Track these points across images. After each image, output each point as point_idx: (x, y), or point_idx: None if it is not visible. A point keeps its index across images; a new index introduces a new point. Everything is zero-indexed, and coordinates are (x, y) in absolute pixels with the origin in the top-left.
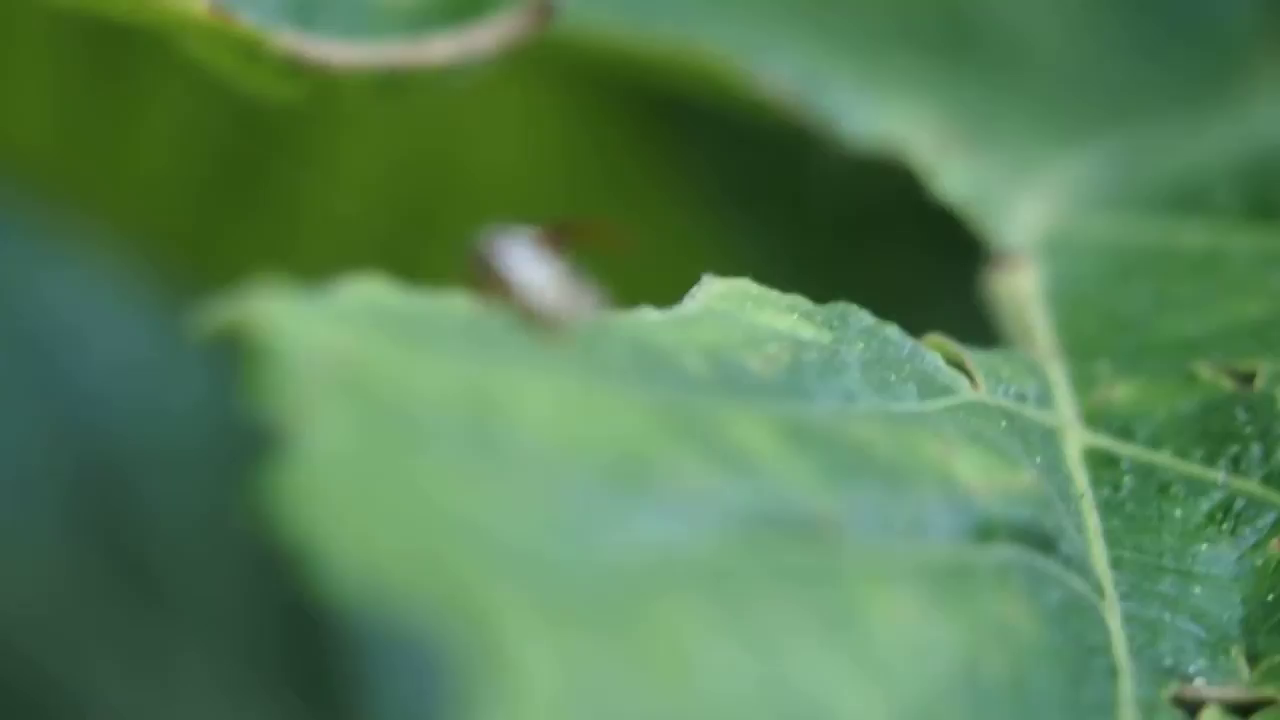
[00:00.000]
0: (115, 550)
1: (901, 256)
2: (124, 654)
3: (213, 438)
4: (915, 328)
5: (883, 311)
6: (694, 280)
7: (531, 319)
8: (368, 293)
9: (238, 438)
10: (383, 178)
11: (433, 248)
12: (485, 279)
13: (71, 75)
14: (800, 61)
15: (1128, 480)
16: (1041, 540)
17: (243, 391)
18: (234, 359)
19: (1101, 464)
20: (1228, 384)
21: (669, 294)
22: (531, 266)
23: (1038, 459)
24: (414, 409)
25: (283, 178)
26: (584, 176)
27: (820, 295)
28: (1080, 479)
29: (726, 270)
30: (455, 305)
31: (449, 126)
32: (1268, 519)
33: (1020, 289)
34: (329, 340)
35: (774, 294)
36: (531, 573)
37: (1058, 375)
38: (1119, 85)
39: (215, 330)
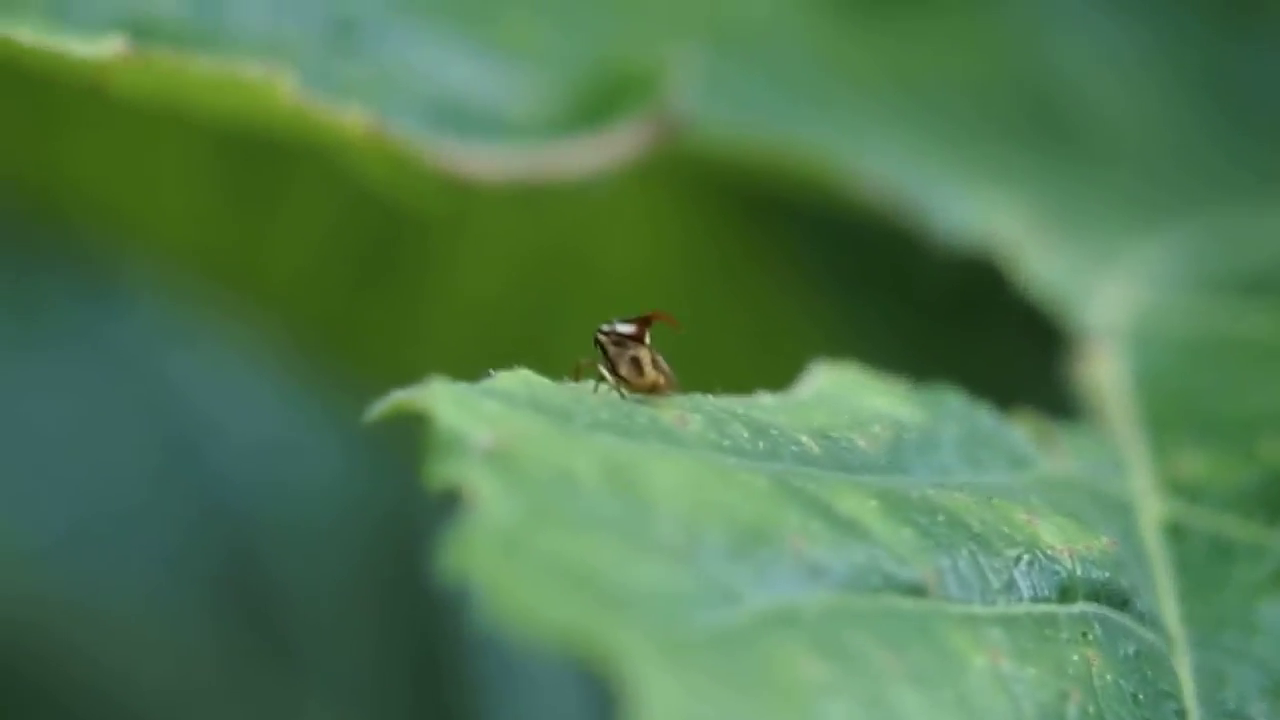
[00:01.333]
0: (257, 627)
1: (1000, 338)
2: None
3: (345, 515)
4: (1011, 404)
5: (982, 390)
6: (804, 364)
7: (642, 394)
8: (523, 381)
9: (369, 514)
10: (510, 271)
11: (558, 339)
12: (601, 363)
13: (219, 170)
14: (898, 158)
15: (1196, 544)
16: (1117, 598)
17: (416, 470)
18: (365, 440)
19: (1172, 530)
20: None
21: (782, 376)
22: (634, 352)
23: (1114, 525)
24: (569, 485)
25: (415, 268)
26: (701, 270)
27: (925, 377)
28: (1153, 543)
29: (836, 356)
30: (598, 393)
31: (574, 223)
32: None
33: (1101, 372)
34: (495, 424)
35: (876, 379)
36: (667, 624)
37: (1134, 450)
38: (1196, 174)
39: (386, 416)
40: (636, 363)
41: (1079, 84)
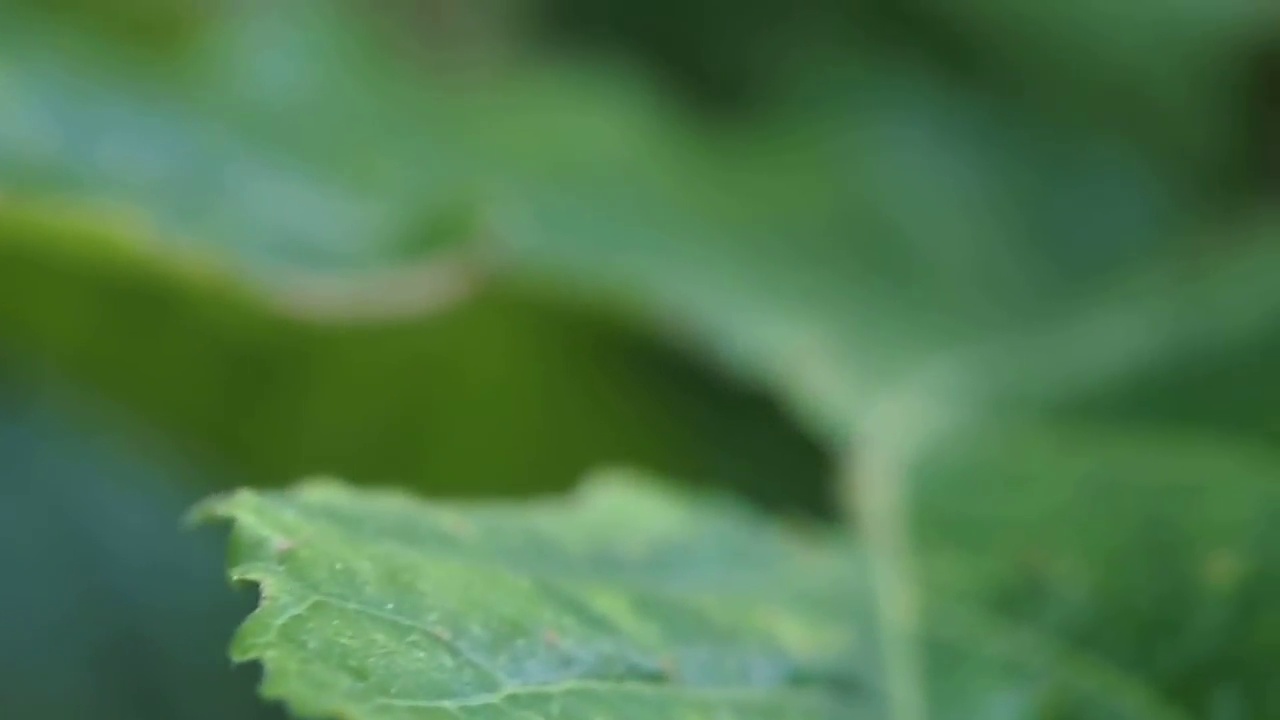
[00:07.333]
0: (139, 701)
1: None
2: None
3: (225, 598)
4: (787, 505)
5: (768, 492)
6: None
7: None
8: (324, 494)
9: (249, 599)
10: (382, 382)
11: (431, 443)
12: None
13: (104, 292)
14: (705, 288)
15: (936, 639)
16: (848, 688)
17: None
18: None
19: (916, 625)
20: (1021, 570)
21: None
22: None
23: (855, 619)
24: (351, 583)
25: (288, 379)
26: (559, 386)
27: (715, 479)
28: (893, 638)
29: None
30: (392, 501)
31: (440, 337)
32: (1044, 678)
33: (865, 483)
34: (293, 530)
35: (651, 487)
36: (427, 706)
37: (883, 552)
38: (1005, 304)
39: (212, 519)
40: None
41: (909, 223)
